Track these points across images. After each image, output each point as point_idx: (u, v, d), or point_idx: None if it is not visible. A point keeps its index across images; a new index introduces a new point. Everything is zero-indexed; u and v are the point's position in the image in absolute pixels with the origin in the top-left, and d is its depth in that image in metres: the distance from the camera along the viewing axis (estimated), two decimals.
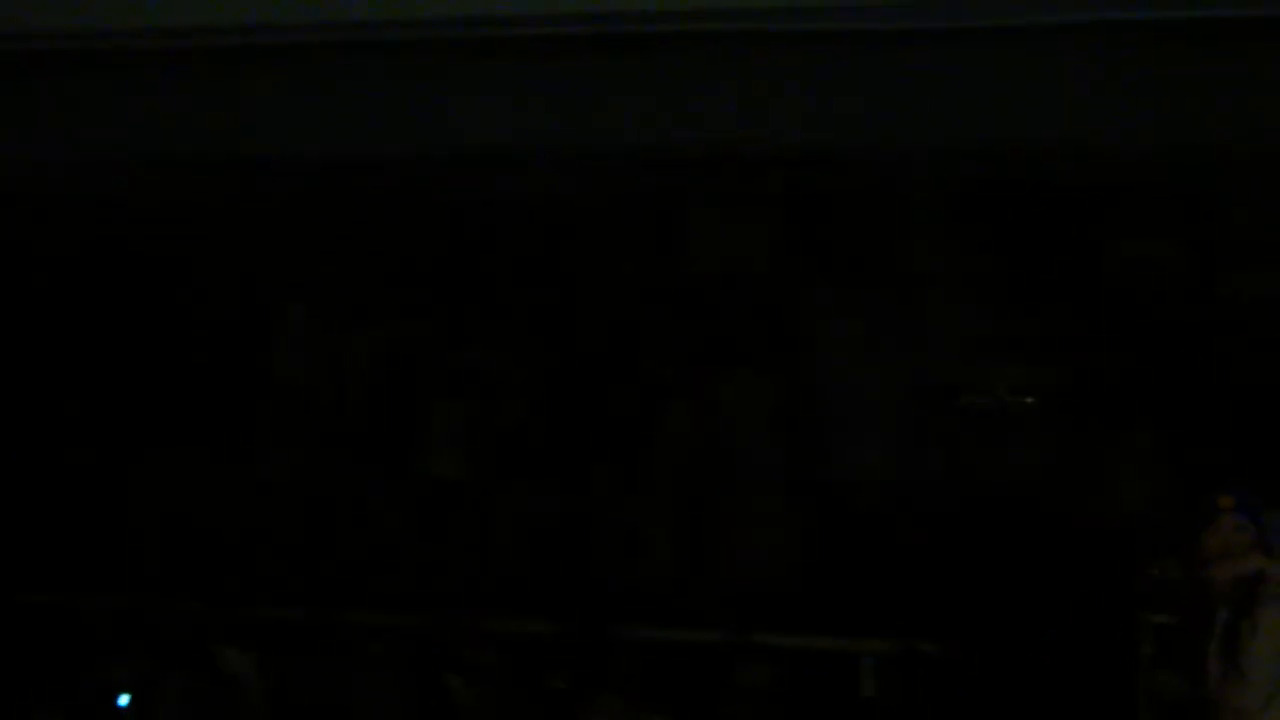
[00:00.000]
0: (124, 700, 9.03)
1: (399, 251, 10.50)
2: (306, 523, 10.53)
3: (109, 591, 9.98)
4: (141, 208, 10.77)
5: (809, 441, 9.88)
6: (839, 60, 8.97)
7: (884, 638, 8.91)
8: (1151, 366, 9.33)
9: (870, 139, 9.07)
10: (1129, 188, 9.41)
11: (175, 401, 10.79)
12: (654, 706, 8.90)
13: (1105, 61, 8.58)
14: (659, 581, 9.93)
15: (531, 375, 10.31)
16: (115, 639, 9.58)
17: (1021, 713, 8.48)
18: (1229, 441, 8.71)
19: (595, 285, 10.22)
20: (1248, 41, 8.31)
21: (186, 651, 9.26)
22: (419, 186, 10.27)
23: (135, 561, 10.46)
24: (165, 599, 9.86)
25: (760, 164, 9.55)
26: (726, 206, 10.04)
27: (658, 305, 10.15)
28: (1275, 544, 7.03)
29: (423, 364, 10.45)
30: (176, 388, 10.79)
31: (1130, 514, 9.02)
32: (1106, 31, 8.51)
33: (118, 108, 9.59)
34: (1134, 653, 8.30)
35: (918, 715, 8.37)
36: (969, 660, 8.81)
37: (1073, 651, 8.76)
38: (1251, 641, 5.72)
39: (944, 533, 9.47)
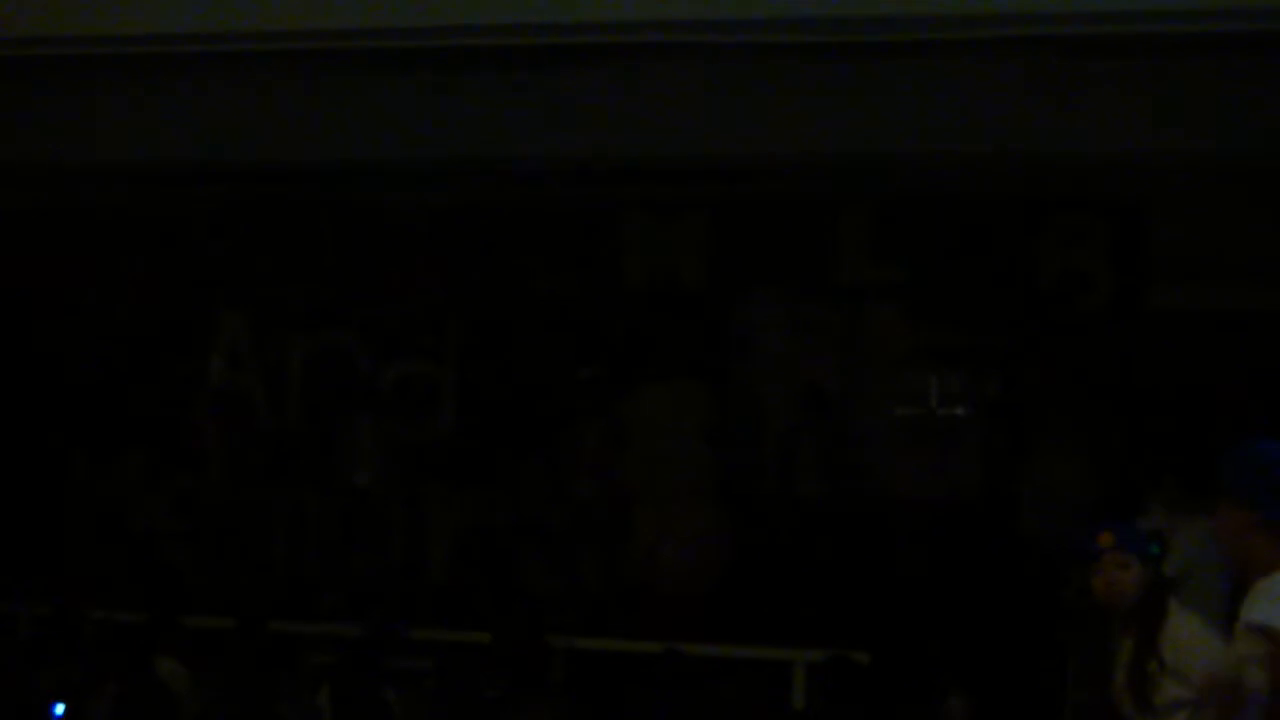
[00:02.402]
0: (59, 709, 8.99)
1: (326, 261, 10.48)
2: (239, 532, 10.52)
3: (42, 600, 9.93)
4: (70, 216, 10.74)
5: (739, 451, 9.91)
6: (769, 73, 9.01)
7: (814, 647, 8.92)
8: (1079, 379, 9.38)
9: (801, 151, 9.12)
10: (1058, 201, 9.46)
11: (108, 410, 10.76)
12: (585, 715, 8.91)
13: (1032, 76, 8.64)
14: (589, 591, 9.95)
15: (461, 385, 10.31)
16: (50, 648, 9.53)
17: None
18: (1155, 453, 8.75)
19: (526, 295, 10.23)
20: (1174, 57, 8.37)
21: (121, 661, 9.22)
22: (348, 196, 10.28)
23: (68, 570, 10.42)
24: (99, 608, 9.82)
25: (691, 175, 9.59)
26: (657, 217, 10.05)
27: (589, 314, 10.17)
28: (1183, 559, 7.08)
29: (351, 373, 10.44)
30: (109, 396, 10.76)
31: (1058, 524, 9.06)
32: (1032, 47, 8.57)
33: (47, 116, 9.58)
34: (1060, 664, 8.35)
35: None
36: (898, 669, 8.84)
37: (1000, 662, 8.81)
38: (1158, 677, 5.71)
39: (874, 542, 9.51)
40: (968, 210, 9.57)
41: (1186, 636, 5.83)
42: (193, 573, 10.48)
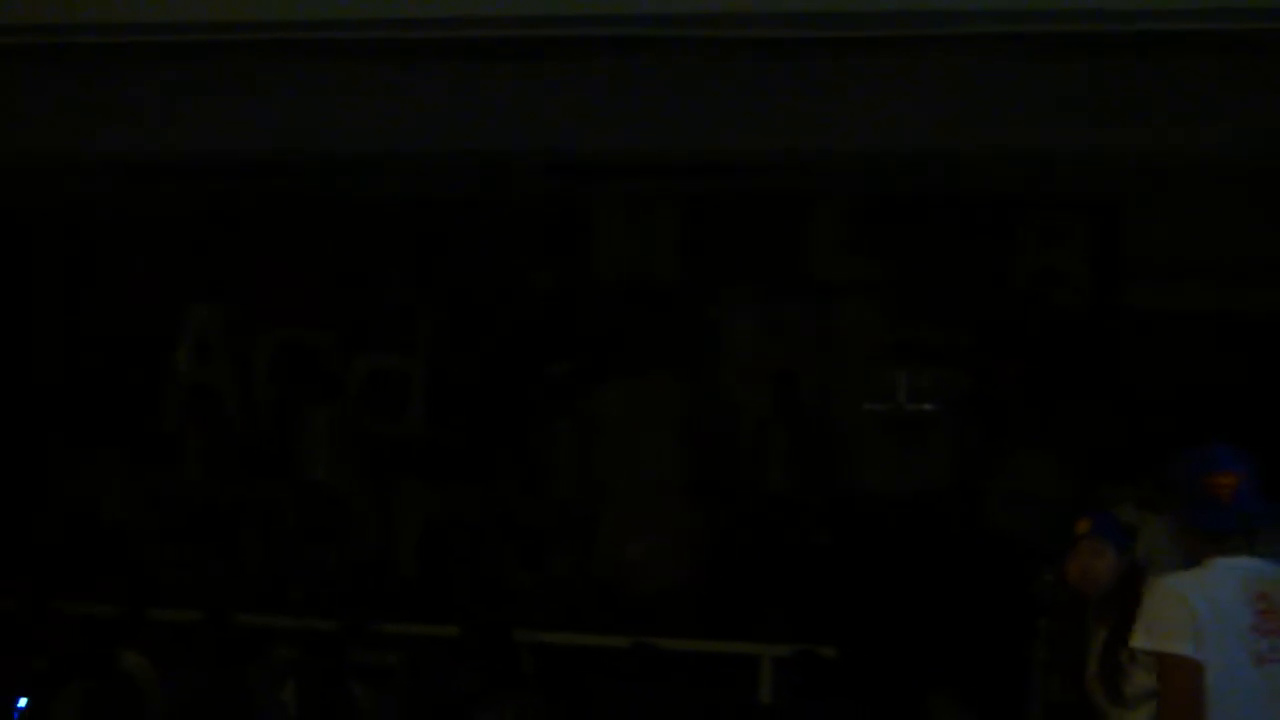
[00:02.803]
0: (22, 703, 8.94)
1: (296, 254, 10.45)
2: (206, 525, 10.48)
3: (6, 593, 9.88)
4: (40, 211, 10.70)
5: (710, 446, 9.90)
6: (745, 68, 9.01)
7: (783, 642, 8.92)
8: (1052, 375, 9.40)
9: (775, 147, 9.11)
10: (1030, 198, 9.48)
11: (75, 403, 10.72)
12: (556, 709, 8.89)
13: (1008, 74, 8.64)
14: (556, 584, 9.93)
15: (432, 378, 10.29)
16: (14, 641, 9.48)
17: (918, 715, 8.51)
18: (1127, 449, 8.76)
19: (500, 288, 10.21)
20: (1150, 56, 8.38)
21: (87, 654, 9.17)
22: (318, 189, 10.24)
23: (34, 563, 10.36)
24: (65, 601, 9.78)
25: (665, 170, 9.57)
26: (630, 212, 10.05)
27: (561, 309, 10.16)
28: (1146, 554, 7.08)
29: (321, 366, 10.41)
30: (77, 390, 10.71)
31: (1028, 519, 9.07)
32: (1010, 45, 8.57)
33: (11, 108, 9.54)
34: (1028, 655, 8.35)
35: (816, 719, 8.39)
36: (867, 664, 8.84)
37: (969, 654, 8.81)
38: (1129, 667, 5.71)
39: (845, 536, 9.51)
40: (942, 208, 9.58)
41: None
42: (161, 566, 10.42)
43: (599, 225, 10.14)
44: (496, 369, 10.20)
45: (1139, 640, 5.07)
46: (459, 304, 10.27)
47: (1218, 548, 5.07)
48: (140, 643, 9.24)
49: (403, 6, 8.93)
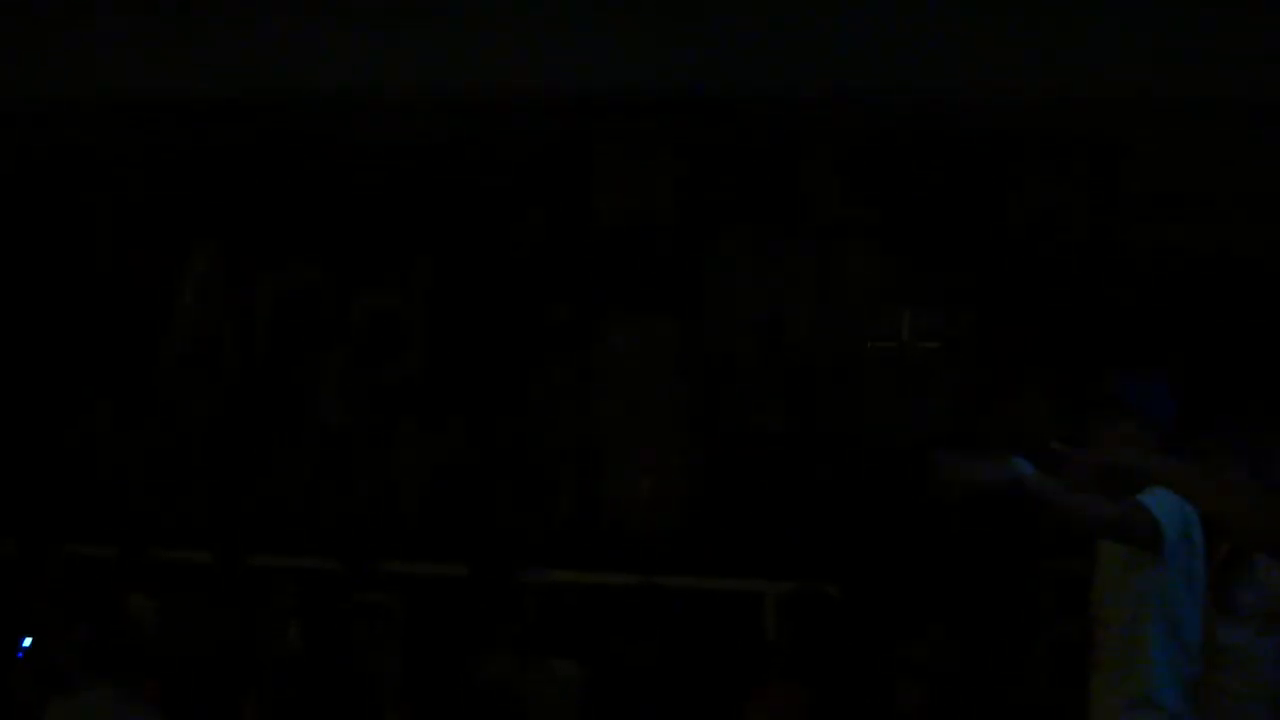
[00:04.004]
0: (26, 642, 8.97)
1: (296, 196, 10.43)
2: (210, 466, 10.50)
3: (10, 535, 9.91)
4: (38, 151, 10.68)
5: (712, 387, 9.91)
6: (741, 8, 9.01)
7: (787, 580, 8.96)
8: (1052, 314, 9.39)
9: (775, 87, 9.12)
10: (1030, 136, 9.47)
11: (77, 345, 10.72)
12: (557, 650, 8.93)
13: (1005, 11, 8.65)
14: (560, 525, 9.96)
15: (433, 321, 10.28)
16: (16, 583, 9.51)
17: (922, 656, 8.55)
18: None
19: (498, 230, 10.20)
20: None
21: (91, 597, 9.20)
22: (316, 130, 10.23)
23: (38, 506, 10.39)
24: (68, 543, 9.80)
25: (663, 109, 9.57)
26: (630, 152, 10.03)
27: (560, 250, 10.15)
28: None
29: (322, 309, 10.40)
30: (79, 331, 10.71)
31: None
32: None
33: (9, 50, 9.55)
34: (1034, 599, 8.40)
35: (820, 657, 8.43)
36: (871, 603, 8.88)
37: (975, 596, 8.85)
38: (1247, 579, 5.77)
39: (848, 476, 9.53)
40: (942, 147, 9.57)
41: None
42: (164, 510, 10.44)
43: (598, 166, 10.10)
44: (497, 311, 10.19)
45: None
46: (461, 246, 10.25)
47: None
48: (145, 585, 9.28)
49: None
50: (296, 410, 10.37)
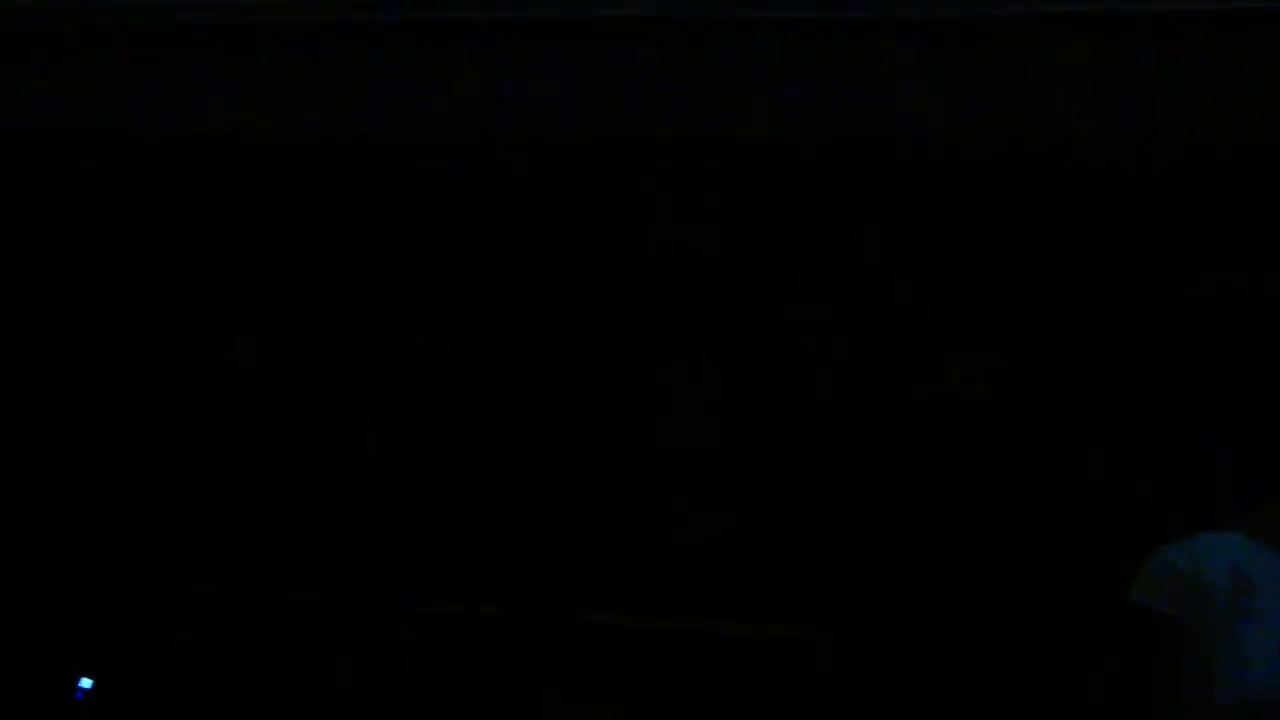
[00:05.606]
0: (86, 684, 9.00)
1: (346, 233, 10.44)
2: (255, 504, 10.51)
3: (63, 574, 9.94)
4: (84, 185, 10.71)
5: (759, 427, 9.88)
6: (791, 48, 8.99)
7: (836, 627, 8.93)
8: (1106, 359, 9.35)
9: (825, 127, 9.09)
10: (1082, 178, 9.42)
11: (124, 381, 10.74)
12: (607, 694, 8.93)
13: (1058, 53, 8.63)
14: (608, 566, 9.94)
15: (482, 359, 10.28)
16: (73, 621, 9.55)
17: (972, 702, 8.53)
18: (1183, 435, 8.72)
19: (545, 269, 10.20)
20: (1200, 31, 8.36)
21: (142, 634, 9.24)
22: (367, 168, 10.24)
23: (88, 545, 10.41)
24: (120, 581, 9.83)
25: (713, 150, 9.56)
26: (679, 192, 10.02)
27: (608, 289, 10.14)
28: None
29: (370, 347, 10.40)
30: (126, 367, 10.73)
31: (1083, 505, 9.06)
32: (1057, 23, 8.56)
33: (54, 84, 9.57)
34: (1084, 644, 8.37)
35: (871, 706, 8.41)
36: (920, 650, 8.85)
37: (1025, 643, 8.82)
38: None
39: (898, 521, 9.50)
40: (990, 190, 9.54)
41: None
42: (212, 546, 10.46)
43: (645, 203, 10.10)
44: (545, 348, 10.19)
45: None
46: (509, 284, 10.25)
47: None
48: (193, 621, 9.31)
49: None
50: (342, 447, 10.38)
